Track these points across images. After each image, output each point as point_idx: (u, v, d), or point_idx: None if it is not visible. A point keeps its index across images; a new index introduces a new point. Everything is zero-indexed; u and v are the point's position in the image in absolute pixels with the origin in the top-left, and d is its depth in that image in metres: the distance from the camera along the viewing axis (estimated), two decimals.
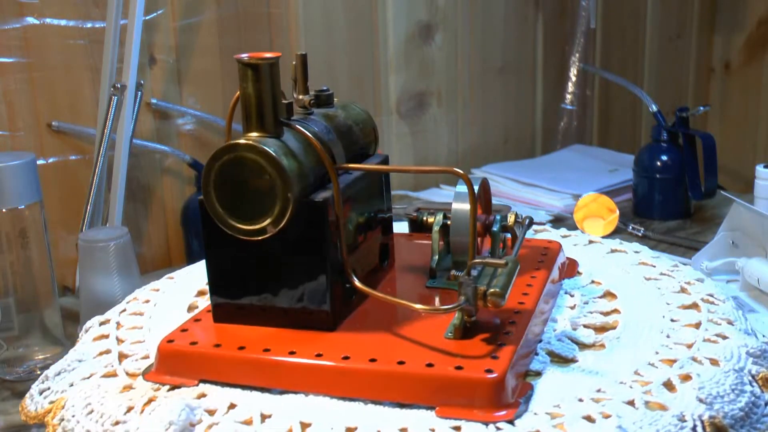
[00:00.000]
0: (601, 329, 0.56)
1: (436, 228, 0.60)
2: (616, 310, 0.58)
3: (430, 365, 0.48)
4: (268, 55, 0.52)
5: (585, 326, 0.56)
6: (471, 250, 0.53)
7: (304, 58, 0.57)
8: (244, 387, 0.51)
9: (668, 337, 0.54)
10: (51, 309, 0.77)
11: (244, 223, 0.52)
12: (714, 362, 0.50)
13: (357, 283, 0.54)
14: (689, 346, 0.52)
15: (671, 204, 1.17)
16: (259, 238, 0.52)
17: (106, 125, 0.92)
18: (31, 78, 0.94)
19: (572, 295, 0.61)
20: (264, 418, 0.48)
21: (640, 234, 1.08)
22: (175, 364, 0.53)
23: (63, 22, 0.95)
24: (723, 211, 1.09)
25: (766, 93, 1.78)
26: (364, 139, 0.63)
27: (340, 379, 0.49)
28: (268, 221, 0.51)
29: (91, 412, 0.52)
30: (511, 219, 0.60)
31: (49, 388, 0.57)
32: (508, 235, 0.62)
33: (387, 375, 0.48)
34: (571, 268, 0.66)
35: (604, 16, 1.60)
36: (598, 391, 0.48)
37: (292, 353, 0.51)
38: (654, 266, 0.66)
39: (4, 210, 0.72)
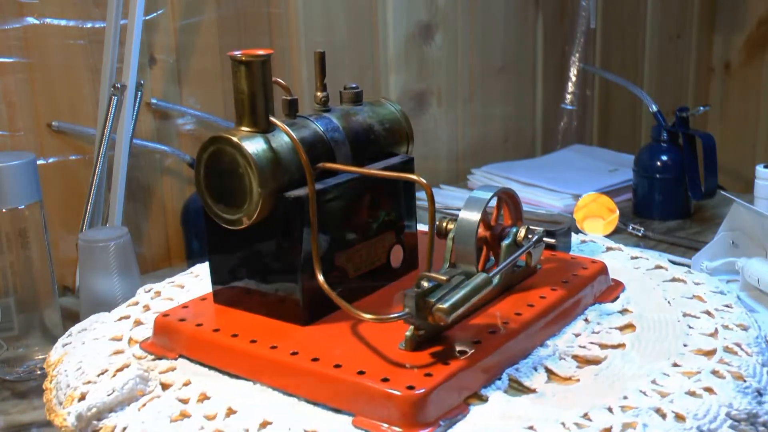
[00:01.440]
0: (589, 362, 0.52)
1: (451, 235, 0.58)
2: (621, 345, 0.54)
3: (361, 372, 0.48)
4: (260, 52, 0.53)
5: (574, 357, 0.53)
6: (428, 261, 0.51)
7: (321, 55, 0.59)
8: (210, 367, 0.54)
9: (653, 382, 0.50)
10: (51, 309, 0.77)
11: (226, 212, 0.54)
12: (680, 417, 0.46)
13: (320, 279, 0.54)
14: (664, 395, 0.48)
15: (671, 204, 1.17)
16: (236, 228, 0.54)
17: (106, 125, 0.92)
18: (31, 78, 0.94)
19: (588, 321, 0.58)
20: (202, 399, 0.50)
21: (640, 234, 1.08)
22: (164, 336, 0.56)
23: (63, 22, 0.95)
24: (723, 211, 1.09)
25: (766, 93, 1.78)
26: (390, 139, 0.63)
27: (282, 373, 0.51)
28: (242, 213, 0.54)
29: (78, 369, 0.55)
30: (521, 233, 0.58)
31: (70, 343, 0.61)
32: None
33: (320, 376, 0.49)
34: (609, 292, 0.62)
35: (604, 16, 1.60)
36: (530, 428, 0.45)
37: (252, 342, 0.53)
38: (705, 302, 0.61)
39: (4, 210, 0.72)
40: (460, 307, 0.48)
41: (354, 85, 0.62)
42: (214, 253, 0.58)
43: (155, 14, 1.02)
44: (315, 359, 0.50)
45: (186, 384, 0.52)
